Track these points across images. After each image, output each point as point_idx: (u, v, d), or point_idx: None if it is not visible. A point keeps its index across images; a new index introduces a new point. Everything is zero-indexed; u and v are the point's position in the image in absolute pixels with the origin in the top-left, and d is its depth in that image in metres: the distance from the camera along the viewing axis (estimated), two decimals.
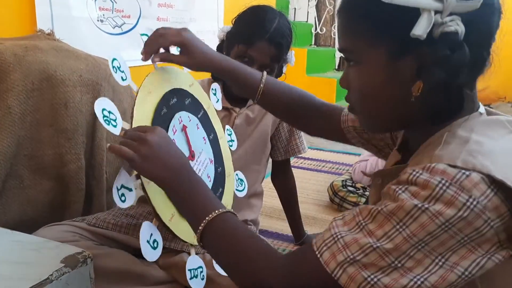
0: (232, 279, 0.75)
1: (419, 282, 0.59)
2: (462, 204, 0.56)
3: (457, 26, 0.61)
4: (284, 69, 1.51)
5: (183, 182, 0.81)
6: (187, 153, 0.99)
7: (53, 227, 1.24)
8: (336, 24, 5.26)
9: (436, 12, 0.61)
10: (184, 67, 1.00)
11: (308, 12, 5.37)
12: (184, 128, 1.00)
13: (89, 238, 1.26)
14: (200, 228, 0.76)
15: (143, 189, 0.84)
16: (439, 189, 0.57)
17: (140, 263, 1.29)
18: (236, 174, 1.23)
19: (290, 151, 1.64)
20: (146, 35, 0.97)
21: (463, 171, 0.57)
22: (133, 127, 0.86)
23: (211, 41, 1.62)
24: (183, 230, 0.91)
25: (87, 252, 0.93)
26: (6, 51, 1.25)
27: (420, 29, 0.60)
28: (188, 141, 1.00)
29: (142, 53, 0.95)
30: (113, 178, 1.55)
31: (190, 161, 0.90)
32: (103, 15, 2.31)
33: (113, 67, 0.89)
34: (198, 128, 1.07)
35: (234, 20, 1.47)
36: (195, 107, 1.08)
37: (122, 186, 0.86)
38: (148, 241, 0.85)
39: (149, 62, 0.97)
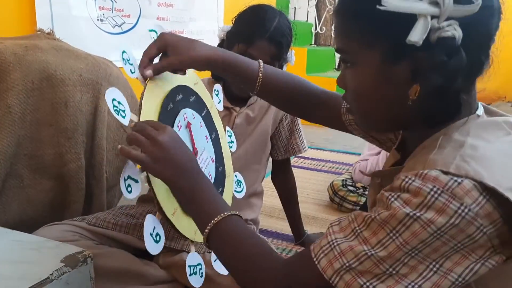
0: (235, 280, 0.77)
1: None
2: (453, 211, 0.56)
3: (454, 31, 0.60)
4: (284, 68, 1.51)
5: (192, 184, 0.81)
6: (191, 150, 0.99)
7: (53, 226, 1.24)
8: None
9: (433, 17, 0.60)
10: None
11: (308, 11, 5.37)
12: (188, 125, 1.00)
13: (89, 237, 1.26)
14: (206, 231, 0.77)
15: (149, 182, 0.85)
16: (431, 196, 0.57)
17: (140, 263, 1.29)
18: (235, 176, 1.23)
19: (290, 150, 1.64)
20: (155, 31, 0.97)
21: (455, 178, 0.57)
22: (141, 120, 0.86)
23: (211, 40, 1.62)
24: (185, 225, 0.91)
25: (87, 252, 0.93)
26: (6, 51, 1.25)
27: (416, 35, 0.60)
28: (191, 138, 1.00)
29: (144, 73, 0.89)
30: (113, 177, 1.56)
31: None
32: (103, 14, 2.32)
33: (123, 59, 0.89)
34: (201, 126, 1.07)
35: (234, 19, 1.47)
36: (199, 106, 1.09)
37: (129, 177, 0.87)
38: (151, 234, 0.85)
39: None
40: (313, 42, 5.41)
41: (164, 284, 1.31)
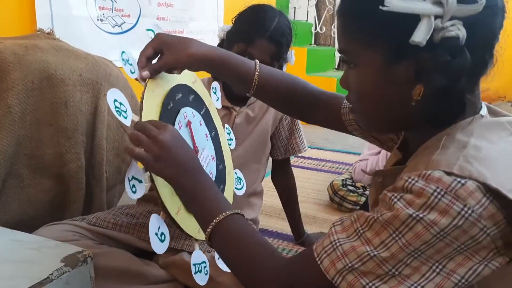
0: (237, 279, 0.77)
1: None
2: (456, 213, 0.56)
3: (458, 31, 0.59)
4: (284, 68, 1.51)
5: (194, 182, 0.81)
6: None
7: (53, 226, 1.24)
8: (335, 23, 5.29)
9: (437, 17, 0.59)
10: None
11: (308, 11, 5.38)
12: (188, 124, 1.00)
13: (89, 237, 1.26)
14: (208, 230, 0.77)
15: (152, 181, 0.85)
16: (434, 197, 0.57)
17: (140, 262, 1.29)
18: (235, 173, 1.23)
19: (290, 150, 1.64)
20: (152, 30, 0.97)
21: (459, 179, 0.57)
22: (143, 120, 0.86)
23: (211, 40, 1.62)
24: (189, 224, 0.91)
25: (87, 251, 0.93)
26: (6, 50, 1.25)
27: (420, 36, 0.59)
28: (192, 137, 1.00)
29: (141, 74, 0.89)
30: (113, 177, 1.56)
31: None
32: (103, 14, 2.32)
33: (123, 59, 0.89)
34: (201, 124, 1.07)
35: (234, 19, 1.47)
36: (198, 104, 1.09)
37: (133, 177, 0.87)
38: (156, 234, 0.86)
39: None
40: (313, 42, 5.41)
41: (164, 284, 1.32)
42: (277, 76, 0.98)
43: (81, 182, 1.41)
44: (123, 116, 0.86)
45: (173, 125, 0.95)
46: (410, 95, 0.65)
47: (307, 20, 5.37)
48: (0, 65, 1.23)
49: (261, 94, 0.98)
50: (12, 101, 1.24)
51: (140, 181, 0.88)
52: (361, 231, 0.62)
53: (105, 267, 1.18)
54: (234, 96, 1.50)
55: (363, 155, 2.34)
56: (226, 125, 1.27)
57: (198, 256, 0.93)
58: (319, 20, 5.35)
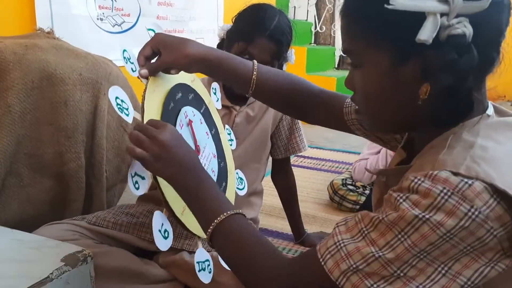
0: (238, 279, 0.76)
1: None
2: (463, 214, 0.56)
3: (465, 28, 0.59)
4: (284, 67, 1.51)
5: (194, 182, 0.81)
6: (192, 148, 0.99)
7: (53, 225, 1.24)
8: (335, 23, 5.29)
9: (442, 14, 0.59)
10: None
11: (308, 10, 5.37)
12: (190, 123, 1.00)
13: (89, 236, 1.26)
14: (209, 230, 0.77)
15: (156, 181, 0.85)
16: (441, 198, 0.57)
17: (140, 262, 1.29)
18: (236, 173, 1.23)
19: (290, 149, 1.64)
20: (153, 30, 0.97)
21: (466, 179, 0.56)
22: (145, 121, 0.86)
23: (211, 40, 1.62)
24: (194, 223, 0.92)
25: (87, 251, 0.93)
26: (6, 50, 1.25)
27: (426, 34, 0.59)
28: (194, 136, 1.00)
29: (141, 72, 0.89)
30: (113, 176, 1.56)
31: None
32: (103, 13, 2.32)
33: (124, 58, 0.90)
34: (201, 123, 1.07)
35: (234, 18, 1.47)
36: (198, 102, 1.09)
37: (136, 174, 0.87)
38: (159, 230, 0.86)
39: None
40: (312, 41, 5.41)
41: (164, 283, 1.32)
42: (276, 76, 0.98)
43: (81, 182, 1.41)
44: (124, 113, 0.86)
45: (175, 125, 0.95)
46: (417, 95, 0.64)
47: (307, 20, 5.37)
48: (0, 64, 1.23)
49: (260, 95, 0.98)
50: (12, 100, 1.24)
51: (143, 178, 0.89)
52: (366, 232, 0.62)
53: (105, 267, 1.18)
54: (234, 96, 1.50)
55: (363, 154, 2.34)
56: (227, 126, 1.27)
57: (201, 254, 0.93)
58: (319, 19, 5.35)
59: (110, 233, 1.30)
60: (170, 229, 0.89)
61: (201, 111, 1.09)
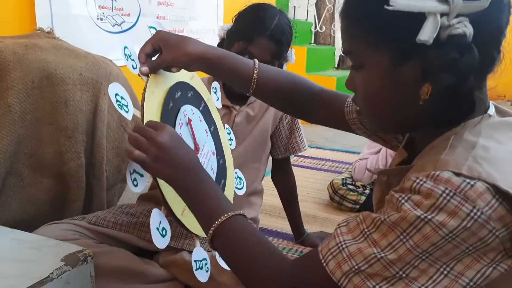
0: (239, 279, 0.76)
1: None
2: (465, 214, 0.55)
3: (465, 28, 0.58)
4: (284, 67, 1.51)
5: (194, 182, 0.81)
6: (192, 147, 0.99)
7: (53, 225, 1.24)
8: (335, 22, 5.29)
9: (442, 14, 0.59)
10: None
11: (307, 10, 5.37)
12: (189, 122, 1.00)
13: (89, 236, 1.26)
14: (210, 232, 0.76)
15: (156, 182, 0.85)
16: (443, 199, 0.56)
17: (140, 261, 1.30)
18: (235, 172, 1.23)
19: (290, 149, 1.64)
20: (154, 28, 0.97)
21: (468, 180, 0.56)
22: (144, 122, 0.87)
23: (211, 39, 1.62)
24: (194, 223, 0.92)
25: (87, 251, 0.93)
26: (6, 50, 1.25)
27: (426, 34, 0.58)
28: (193, 135, 1.00)
29: (142, 69, 0.90)
30: (113, 176, 1.56)
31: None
32: (103, 13, 2.32)
33: (125, 55, 0.90)
34: (200, 120, 1.07)
35: (234, 18, 1.47)
36: (197, 100, 1.09)
37: (135, 171, 0.88)
38: (157, 228, 0.86)
39: None
40: (312, 41, 5.41)
41: (164, 283, 1.32)
42: (277, 75, 0.98)
43: (81, 181, 1.41)
44: (124, 110, 0.86)
45: (174, 124, 0.95)
46: (418, 95, 0.64)
47: (307, 19, 5.37)
48: (0, 64, 1.23)
49: (260, 94, 0.98)
50: (12, 100, 1.24)
51: (142, 175, 0.89)
52: (368, 233, 0.62)
53: (105, 266, 1.18)
54: (234, 95, 1.50)
55: (363, 154, 2.34)
56: (227, 126, 1.27)
57: (199, 253, 0.93)
58: (319, 19, 5.35)
59: (110, 232, 1.30)
60: (168, 227, 0.88)
61: (200, 108, 1.09)
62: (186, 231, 0.93)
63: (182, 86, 1.03)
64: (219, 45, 1.51)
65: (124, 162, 1.59)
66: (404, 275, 0.59)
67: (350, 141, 3.46)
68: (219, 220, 0.76)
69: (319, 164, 2.97)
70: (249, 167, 1.54)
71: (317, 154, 3.19)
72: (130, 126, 1.58)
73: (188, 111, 1.02)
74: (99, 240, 1.28)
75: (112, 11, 2.37)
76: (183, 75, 1.04)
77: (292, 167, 1.76)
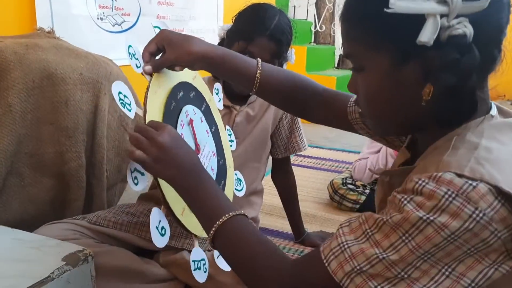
0: (240, 279, 0.76)
1: None
2: (468, 216, 0.56)
3: (465, 28, 0.59)
4: (285, 67, 1.51)
5: (194, 183, 0.81)
6: (193, 147, 0.99)
7: (54, 225, 1.24)
8: (335, 22, 5.29)
9: (442, 15, 0.59)
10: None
11: (307, 10, 5.37)
12: (190, 122, 1.01)
13: (89, 236, 1.27)
14: (211, 232, 0.77)
15: (156, 182, 0.85)
16: (445, 200, 0.56)
17: (140, 261, 1.30)
18: (235, 174, 1.23)
19: (290, 148, 1.64)
20: (158, 27, 0.97)
21: (470, 181, 0.56)
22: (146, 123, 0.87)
23: (211, 39, 1.62)
24: (194, 223, 0.92)
25: (88, 250, 0.93)
26: (7, 49, 1.25)
27: (426, 36, 0.59)
28: (194, 135, 1.01)
29: (145, 68, 0.90)
30: (114, 176, 1.56)
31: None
32: (103, 13, 2.32)
33: (129, 53, 0.90)
34: (202, 121, 1.08)
35: (234, 17, 1.47)
36: (199, 100, 1.09)
37: (136, 170, 0.88)
38: (157, 227, 0.86)
39: None
40: (312, 40, 5.40)
41: (164, 282, 1.32)
42: (279, 74, 0.98)
43: (82, 181, 1.41)
44: (127, 108, 0.86)
45: (176, 124, 0.95)
46: (420, 96, 0.64)
47: (306, 19, 5.37)
48: (0, 64, 1.23)
49: (263, 93, 0.98)
50: (12, 100, 1.24)
51: (142, 174, 0.89)
52: (370, 233, 0.62)
53: (106, 266, 1.18)
54: (234, 95, 1.50)
55: (363, 153, 2.34)
56: (227, 127, 1.27)
57: (197, 253, 0.94)
58: (319, 18, 5.35)
59: (110, 232, 1.30)
60: (167, 226, 0.89)
61: (202, 109, 1.09)
62: (186, 231, 0.93)
63: (185, 86, 1.03)
64: (219, 44, 1.50)
65: (124, 162, 1.59)
66: (406, 276, 0.59)
67: (350, 141, 3.46)
68: (220, 220, 0.76)
69: (319, 164, 2.98)
70: (249, 166, 1.54)
71: (317, 153, 3.20)
72: (130, 126, 1.58)
73: (190, 111, 1.02)
74: (100, 239, 1.28)
75: (112, 10, 2.37)
76: (185, 75, 1.04)
77: (292, 166, 1.76)
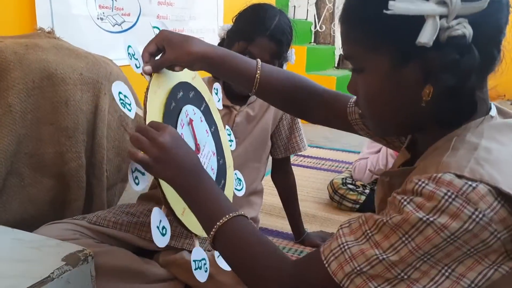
0: (240, 280, 0.76)
1: None
2: (467, 217, 0.56)
3: (464, 29, 0.59)
4: (285, 67, 1.51)
5: (194, 183, 0.81)
6: (193, 147, 0.99)
7: (54, 225, 1.24)
8: (335, 22, 5.29)
9: (441, 16, 0.59)
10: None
11: (307, 10, 5.37)
12: (190, 122, 1.01)
13: (89, 236, 1.27)
14: (211, 233, 0.77)
15: (157, 181, 0.85)
16: (445, 201, 0.57)
17: (140, 261, 1.30)
18: (235, 174, 1.23)
19: (290, 148, 1.64)
20: (158, 27, 0.97)
21: (470, 182, 0.56)
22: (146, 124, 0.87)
23: (211, 39, 1.62)
24: (195, 223, 0.92)
25: (88, 250, 0.93)
26: (7, 49, 1.26)
27: (426, 37, 0.59)
28: (194, 135, 1.01)
29: (145, 68, 0.90)
30: (114, 176, 1.56)
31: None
32: (103, 13, 2.32)
33: (128, 53, 0.90)
34: (201, 121, 1.08)
35: (234, 18, 1.47)
36: (198, 100, 1.09)
37: (136, 170, 0.88)
38: (157, 227, 0.86)
39: None
40: (312, 40, 5.40)
41: (164, 282, 1.32)
42: (279, 74, 0.98)
43: (82, 181, 1.42)
44: (127, 108, 0.87)
45: (176, 124, 0.95)
46: (420, 97, 0.64)
47: (306, 19, 5.37)
48: (0, 64, 1.24)
49: (262, 93, 0.98)
50: (12, 100, 1.24)
51: (143, 174, 0.89)
52: (370, 234, 0.62)
53: (106, 266, 1.18)
54: (234, 95, 1.50)
55: (363, 153, 2.34)
56: (227, 126, 1.27)
57: (198, 253, 0.94)
58: (319, 18, 5.35)
59: (110, 232, 1.30)
60: (168, 226, 0.89)
61: (201, 109, 1.09)
62: (187, 231, 0.94)
63: (184, 86, 1.03)
64: (219, 45, 1.51)
65: (124, 162, 1.59)
66: (405, 277, 0.59)
67: (350, 141, 3.46)
68: (221, 221, 0.76)
69: (319, 164, 2.98)
70: (249, 166, 1.54)
71: (317, 153, 3.20)
72: (130, 126, 1.58)
73: (189, 111, 1.02)
74: (100, 239, 1.28)
75: (112, 10, 2.37)
76: (185, 75, 1.04)
77: (292, 166, 1.76)
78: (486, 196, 0.56)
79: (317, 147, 3.36)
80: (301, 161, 3.02)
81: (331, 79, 4.36)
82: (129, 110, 0.87)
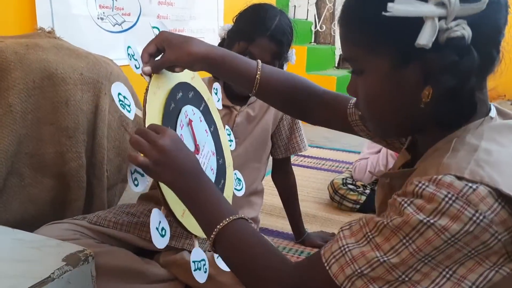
0: (240, 280, 0.77)
1: None
2: (468, 218, 0.56)
3: (463, 31, 0.59)
4: (285, 67, 1.51)
5: (194, 186, 0.81)
6: (192, 147, 0.99)
7: (54, 225, 1.24)
8: (335, 22, 5.28)
9: (440, 18, 0.59)
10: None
11: (308, 9, 5.37)
12: (190, 122, 1.01)
13: (90, 236, 1.27)
14: (212, 236, 0.76)
15: (157, 183, 0.85)
16: (445, 203, 0.56)
17: (141, 261, 1.30)
18: (235, 174, 1.23)
19: (290, 149, 1.64)
20: (157, 28, 0.97)
21: (470, 184, 0.56)
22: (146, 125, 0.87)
23: (212, 39, 1.62)
24: (195, 225, 0.92)
25: (88, 250, 0.93)
26: (7, 49, 1.26)
27: (425, 38, 0.59)
28: (193, 135, 1.01)
29: (144, 69, 0.90)
30: (114, 176, 1.56)
31: (196, 155, 0.90)
32: (103, 13, 2.32)
33: (128, 54, 0.90)
34: (201, 121, 1.08)
35: (235, 18, 1.47)
36: (198, 100, 1.09)
37: (136, 171, 0.88)
38: (157, 228, 0.86)
39: None
40: (312, 40, 5.40)
41: (164, 283, 1.32)
42: (279, 75, 0.98)
43: (82, 181, 1.42)
44: (126, 109, 0.87)
45: (175, 126, 0.95)
46: (419, 98, 0.64)
47: (307, 19, 5.37)
48: (1, 64, 1.24)
49: (263, 94, 0.98)
50: (13, 100, 1.24)
51: (143, 175, 0.89)
52: (371, 236, 0.62)
53: (106, 266, 1.18)
54: (235, 95, 1.50)
55: (363, 154, 2.34)
56: (227, 126, 1.27)
57: (197, 254, 0.94)
58: (319, 18, 5.35)
59: (111, 232, 1.30)
60: (167, 227, 0.89)
61: (201, 108, 1.09)
62: (187, 232, 0.94)
63: (183, 87, 1.03)
64: (220, 45, 1.51)
65: (125, 162, 1.59)
66: (406, 279, 0.59)
67: (350, 141, 3.46)
68: (221, 224, 0.76)
69: (319, 164, 2.98)
70: (250, 167, 1.54)
71: (317, 153, 3.20)
72: (131, 126, 1.58)
73: (189, 111, 1.02)
74: (100, 240, 1.28)
75: (112, 10, 2.37)
76: (184, 76, 1.04)
77: (293, 166, 1.76)
78: (487, 197, 0.56)
79: (317, 147, 3.36)
80: (301, 161, 3.02)
81: (331, 79, 4.36)
82: (129, 111, 0.87)
